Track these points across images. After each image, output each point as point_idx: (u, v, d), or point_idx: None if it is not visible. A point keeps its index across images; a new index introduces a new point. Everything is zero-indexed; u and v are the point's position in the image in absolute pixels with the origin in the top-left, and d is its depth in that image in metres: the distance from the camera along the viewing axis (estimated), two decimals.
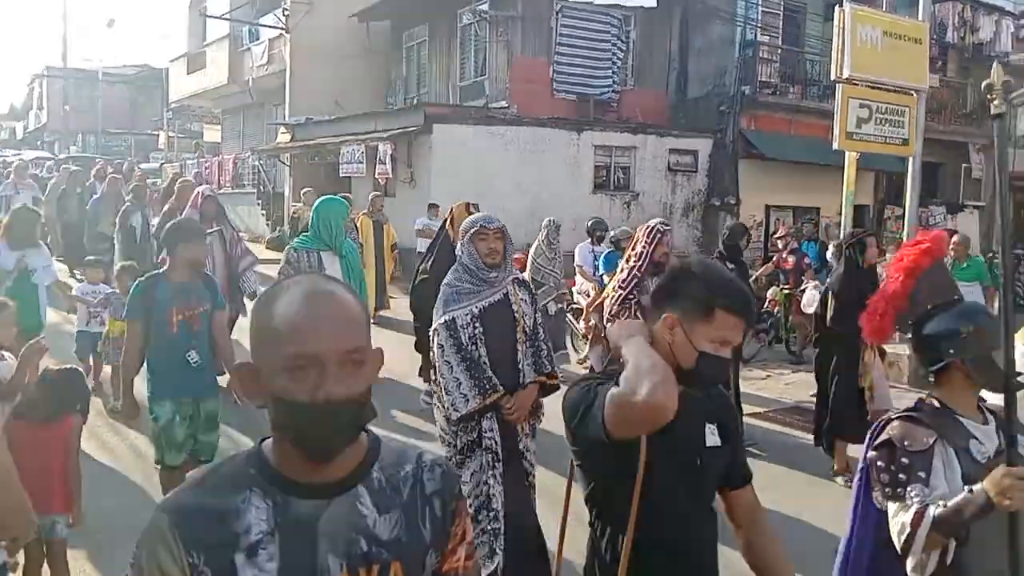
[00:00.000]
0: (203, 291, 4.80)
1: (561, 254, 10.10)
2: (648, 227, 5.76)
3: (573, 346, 9.83)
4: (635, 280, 5.61)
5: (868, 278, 6.38)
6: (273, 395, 1.35)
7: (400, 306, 11.26)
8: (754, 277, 10.80)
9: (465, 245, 4.06)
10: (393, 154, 15.45)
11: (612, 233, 9.21)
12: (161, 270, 4.86)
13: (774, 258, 11.55)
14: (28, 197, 12.94)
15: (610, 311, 5.62)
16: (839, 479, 6.18)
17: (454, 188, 14.12)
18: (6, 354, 4.28)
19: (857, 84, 9.90)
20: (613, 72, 16.56)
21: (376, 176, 15.96)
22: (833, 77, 9.97)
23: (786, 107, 16.78)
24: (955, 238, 10.11)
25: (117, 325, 7.18)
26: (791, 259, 10.94)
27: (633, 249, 5.80)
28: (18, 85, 54.72)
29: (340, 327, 1.35)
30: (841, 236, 10.60)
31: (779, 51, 17.33)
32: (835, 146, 9.94)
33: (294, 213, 14.17)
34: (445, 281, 4.12)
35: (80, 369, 4.65)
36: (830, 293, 6.34)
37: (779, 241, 12.16)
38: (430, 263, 6.23)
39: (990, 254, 11.26)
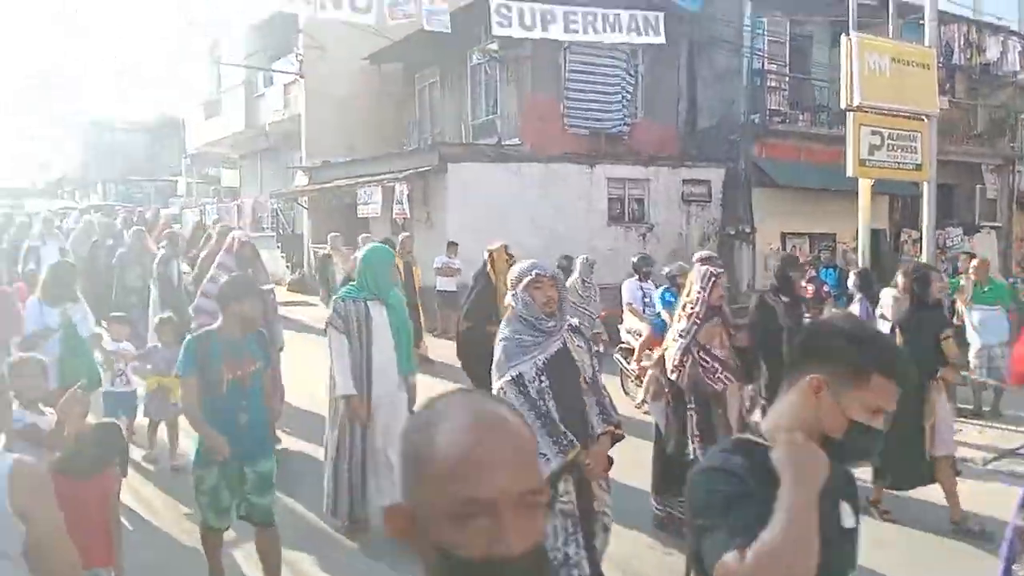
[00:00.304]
0: (255, 348, 4.58)
1: (597, 292, 9.95)
2: (701, 272, 5.53)
3: (623, 388, 9.56)
4: (695, 328, 5.39)
5: (937, 314, 6.21)
6: (435, 546, 1.10)
7: (432, 347, 11.46)
8: None
9: (519, 295, 3.92)
10: (409, 194, 15.64)
11: (667, 269, 8.93)
12: (214, 326, 4.65)
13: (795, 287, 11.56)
14: (55, 248, 13.02)
15: (674, 362, 5.42)
16: (873, 510, 6.14)
17: (470, 225, 14.29)
18: (47, 410, 4.38)
19: (867, 111, 10.00)
20: (623, 106, 16.76)
21: (393, 216, 16.14)
22: (843, 105, 10.08)
23: (796, 134, 16.88)
24: (975, 260, 10.11)
25: (154, 380, 7.09)
26: (810, 287, 10.96)
27: (688, 295, 5.56)
28: (38, 137, 55.56)
29: (517, 463, 1.11)
30: (860, 263, 10.63)
31: (787, 79, 17.48)
32: (849, 174, 10.03)
33: (324, 256, 14.19)
34: (502, 336, 3.96)
35: (118, 424, 4.71)
36: (897, 331, 6.12)
37: None
38: (470, 308, 6.28)
39: (1011, 279, 11.23)
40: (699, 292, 5.44)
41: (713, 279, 5.43)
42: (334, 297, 5.51)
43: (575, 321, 4.36)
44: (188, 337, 4.66)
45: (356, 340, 5.22)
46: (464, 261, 12.30)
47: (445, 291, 13.23)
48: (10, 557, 2.28)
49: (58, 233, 14.75)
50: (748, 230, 16.25)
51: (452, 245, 13.64)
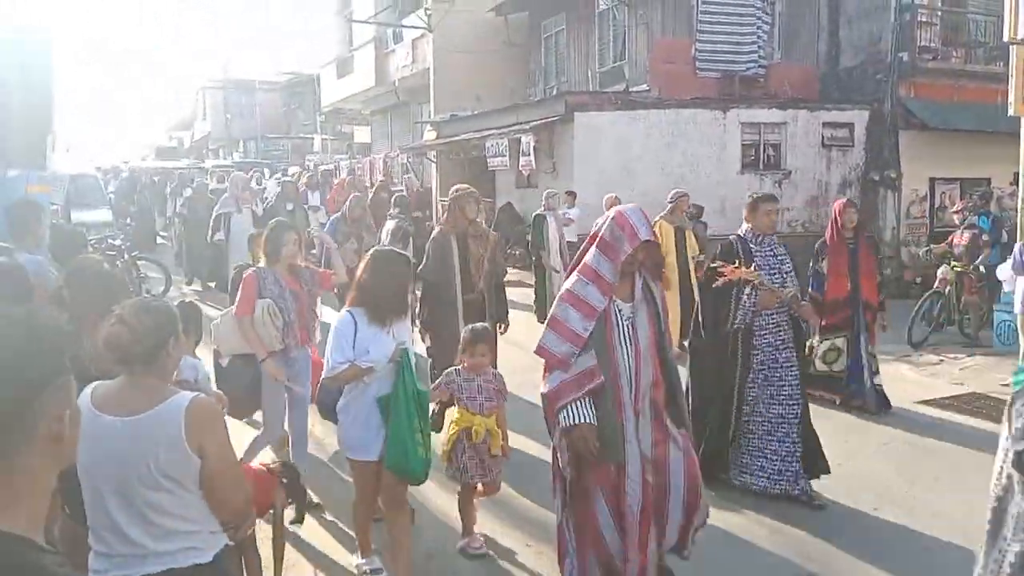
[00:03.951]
0: None
1: None
2: None
3: None
4: None
5: None
6: None
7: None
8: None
9: None
10: (536, 145, 15.61)
11: None
12: None
13: (950, 237, 10.89)
14: (250, 216, 10.68)
15: None
16: None
17: (596, 176, 14.16)
18: (198, 362, 4.50)
19: None
20: (759, 46, 16.03)
21: (520, 168, 16.18)
22: (1006, 38, 9.29)
23: (949, 72, 15.72)
24: None
25: (470, 421, 4.51)
26: (967, 235, 10.30)
27: None
28: (184, 98, 58.81)
29: None
30: (1019, 208, 9.89)
31: (939, 13, 16.24)
32: (1011, 112, 9.28)
33: (537, 216, 11.56)
34: None
35: (296, 467, 4.28)
36: None
37: (955, 216, 11.46)
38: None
39: None
40: None
41: None
42: None
43: None
44: None
45: None
46: (591, 211, 12.13)
47: (569, 242, 13.16)
48: (184, 487, 2.46)
49: (251, 198, 11.77)
50: (893, 176, 15.35)
51: (570, 195, 13.53)
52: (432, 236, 6.19)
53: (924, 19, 15.82)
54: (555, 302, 3.88)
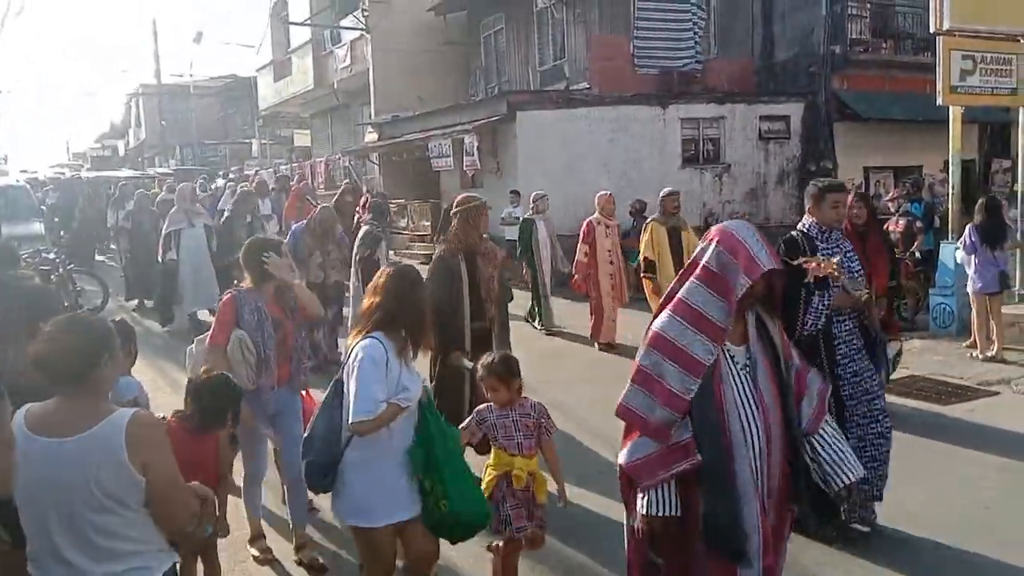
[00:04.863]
0: None
1: None
2: None
3: None
4: None
5: None
6: None
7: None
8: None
9: None
10: (479, 145, 15.58)
11: None
12: None
13: (885, 224, 11.18)
14: (202, 230, 10.19)
15: None
16: None
17: (540, 174, 14.19)
18: (136, 381, 4.34)
19: (958, 35, 9.49)
20: (695, 42, 16.26)
21: (464, 168, 16.14)
22: (932, 30, 9.56)
23: (880, 64, 16.16)
24: None
25: (518, 464, 3.91)
26: (902, 222, 10.57)
27: None
28: (116, 105, 57.40)
29: None
30: (949, 194, 10.20)
31: (868, 5, 16.67)
32: (939, 102, 9.56)
33: (525, 220, 11.04)
34: None
35: (229, 375, 3.99)
36: None
37: (890, 204, 11.78)
38: None
39: None
40: None
41: None
42: None
43: None
44: None
45: None
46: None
47: (512, 240, 13.12)
48: (129, 507, 2.38)
49: (202, 210, 11.08)
50: (830, 166, 15.71)
51: (514, 193, 13.57)
52: (436, 256, 5.49)
53: (854, 12, 16.24)
54: (641, 350, 2.99)
